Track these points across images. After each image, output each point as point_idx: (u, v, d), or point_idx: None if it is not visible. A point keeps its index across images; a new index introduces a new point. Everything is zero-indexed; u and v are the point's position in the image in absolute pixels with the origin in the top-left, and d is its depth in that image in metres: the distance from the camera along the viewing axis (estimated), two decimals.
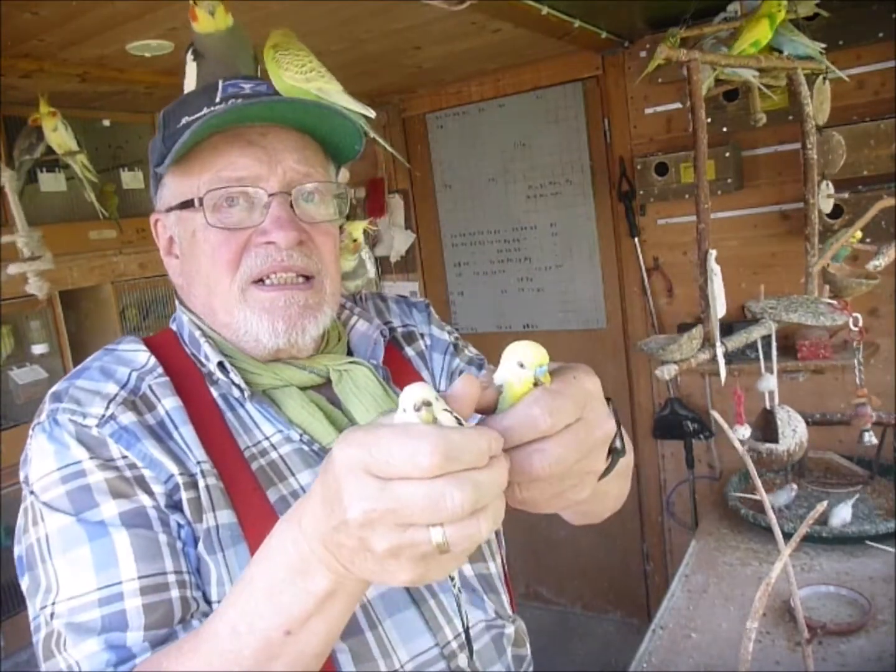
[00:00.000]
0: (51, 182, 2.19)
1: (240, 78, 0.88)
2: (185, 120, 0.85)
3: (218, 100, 0.85)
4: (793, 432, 1.44)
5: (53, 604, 0.70)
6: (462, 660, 0.83)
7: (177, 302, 0.93)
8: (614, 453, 0.63)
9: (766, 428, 1.45)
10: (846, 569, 1.58)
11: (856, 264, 1.96)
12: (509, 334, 3.13)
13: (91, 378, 0.81)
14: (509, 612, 0.94)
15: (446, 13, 1.78)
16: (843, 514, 1.73)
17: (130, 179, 2.42)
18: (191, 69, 0.97)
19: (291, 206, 0.83)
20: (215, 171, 0.82)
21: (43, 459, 0.75)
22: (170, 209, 0.88)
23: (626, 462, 0.76)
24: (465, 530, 0.46)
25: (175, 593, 0.72)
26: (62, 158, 1.94)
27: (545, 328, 3.05)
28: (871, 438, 1.58)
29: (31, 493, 0.75)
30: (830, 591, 1.51)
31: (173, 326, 0.93)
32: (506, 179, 3.02)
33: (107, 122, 2.33)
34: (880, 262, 1.48)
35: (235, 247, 0.83)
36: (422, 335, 1.04)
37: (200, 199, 0.82)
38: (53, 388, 0.80)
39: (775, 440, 1.43)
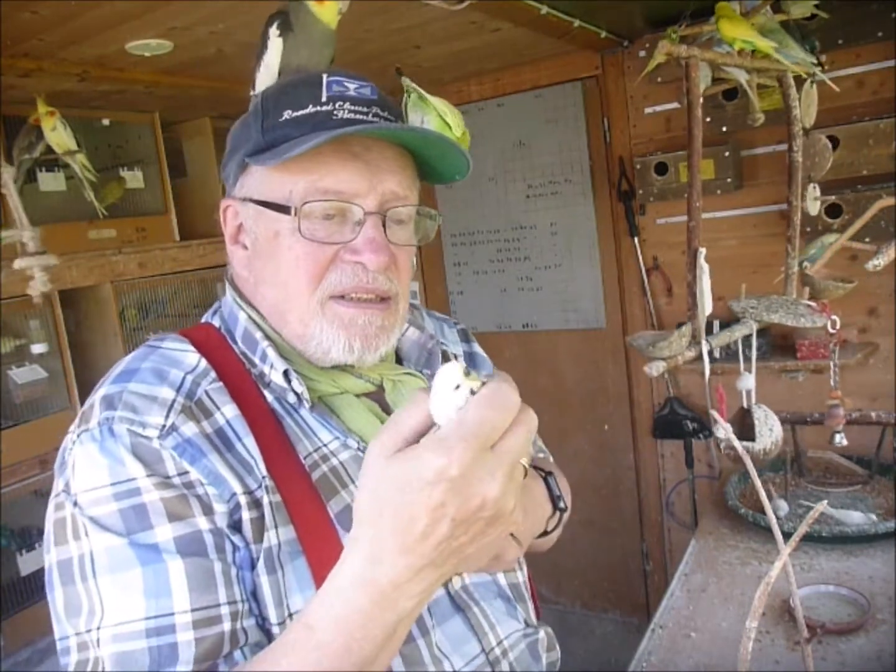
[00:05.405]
0: (50, 181, 2.19)
1: (342, 74, 0.83)
2: (287, 114, 0.81)
3: (324, 98, 0.81)
4: (769, 431, 1.44)
5: (99, 629, 0.67)
6: (504, 665, 0.85)
7: (230, 295, 0.89)
8: (561, 511, 0.89)
9: (744, 426, 1.46)
10: (846, 568, 1.58)
11: (855, 264, 1.96)
12: (509, 334, 3.13)
13: (144, 381, 0.76)
14: (534, 619, 0.96)
15: (446, 13, 1.78)
16: (855, 519, 1.72)
17: (130, 179, 2.42)
18: (275, 44, 0.95)
19: (383, 225, 0.81)
20: (313, 178, 0.79)
21: (93, 471, 0.70)
22: (250, 200, 0.83)
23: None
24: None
25: (227, 626, 0.69)
26: (61, 158, 1.94)
27: (545, 328, 3.05)
28: (842, 440, 1.59)
29: (75, 504, 0.70)
30: (830, 591, 1.51)
31: (215, 321, 0.89)
32: (505, 179, 3.02)
33: (106, 122, 2.33)
34: (880, 262, 1.48)
35: (323, 260, 0.80)
36: (455, 356, 1.03)
37: (296, 209, 0.79)
38: (103, 392, 0.75)
39: (752, 439, 1.44)
